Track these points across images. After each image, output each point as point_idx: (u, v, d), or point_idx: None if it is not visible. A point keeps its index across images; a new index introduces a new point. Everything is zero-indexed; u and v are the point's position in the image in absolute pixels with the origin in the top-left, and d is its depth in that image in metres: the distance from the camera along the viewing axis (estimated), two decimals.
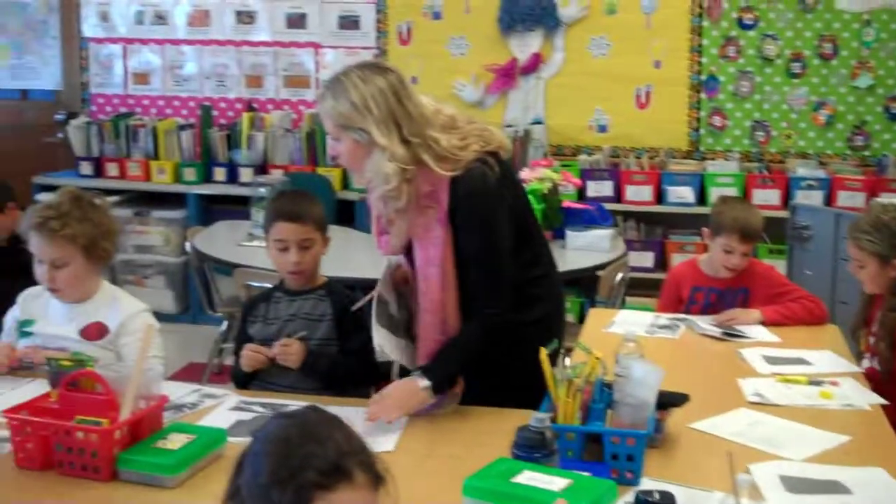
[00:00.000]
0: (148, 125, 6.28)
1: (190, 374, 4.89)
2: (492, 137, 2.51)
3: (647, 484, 2.07)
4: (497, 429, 2.39)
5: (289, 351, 2.79)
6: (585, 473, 1.85)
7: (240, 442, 2.32)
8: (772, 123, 5.85)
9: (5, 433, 2.34)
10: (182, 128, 6.27)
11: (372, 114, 2.37)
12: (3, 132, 6.85)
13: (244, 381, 2.91)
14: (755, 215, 3.53)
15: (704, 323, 3.30)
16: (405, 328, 2.70)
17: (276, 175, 5.55)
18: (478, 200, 2.44)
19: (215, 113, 6.42)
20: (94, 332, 2.85)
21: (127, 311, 2.88)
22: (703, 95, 5.90)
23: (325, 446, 1.43)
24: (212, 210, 6.18)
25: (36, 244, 2.80)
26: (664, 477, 2.13)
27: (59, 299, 2.88)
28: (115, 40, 6.61)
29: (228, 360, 2.92)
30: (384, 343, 2.65)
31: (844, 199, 5.41)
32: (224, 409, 2.58)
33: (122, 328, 2.84)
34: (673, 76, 5.89)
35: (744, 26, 5.79)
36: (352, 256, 4.28)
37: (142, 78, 6.59)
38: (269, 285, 3.56)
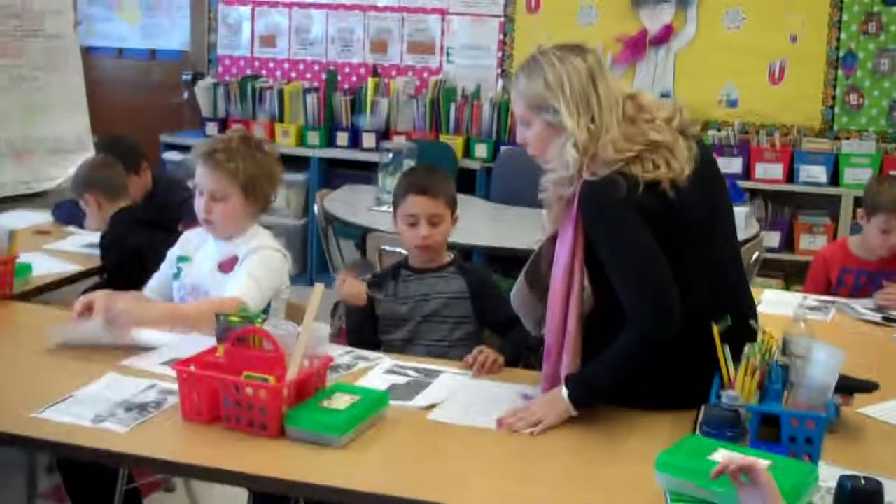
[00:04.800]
0: (274, 88, 6.32)
1: None
2: (661, 141, 2.27)
3: (823, 469, 2.01)
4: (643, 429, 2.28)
5: (488, 362, 2.62)
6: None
7: (402, 406, 2.35)
8: None
9: (168, 385, 2.39)
10: (307, 91, 6.30)
11: (564, 94, 2.28)
12: (132, 90, 6.98)
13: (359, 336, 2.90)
14: None
15: (861, 307, 3.19)
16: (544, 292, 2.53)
17: (403, 141, 5.53)
18: (593, 209, 2.26)
19: (339, 77, 6.43)
20: (229, 265, 2.89)
21: (258, 243, 2.90)
22: (839, 72, 5.70)
23: None
24: (333, 174, 6.22)
25: (200, 174, 2.86)
26: (841, 462, 2.05)
27: (211, 232, 2.93)
28: (244, 2, 6.65)
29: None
30: (516, 292, 2.57)
31: None
32: (379, 372, 2.58)
33: (245, 256, 2.85)
34: (809, 52, 5.71)
35: (886, 1, 5.57)
36: (472, 224, 4.25)
37: (268, 40, 6.63)
38: (403, 251, 3.56)
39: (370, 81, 6.19)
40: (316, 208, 4.99)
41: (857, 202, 5.28)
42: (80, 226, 3.99)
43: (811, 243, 5.50)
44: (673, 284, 2.21)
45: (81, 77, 5.38)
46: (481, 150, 5.94)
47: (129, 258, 3.40)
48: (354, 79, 6.44)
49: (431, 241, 2.89)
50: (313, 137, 6.22)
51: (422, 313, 2.89)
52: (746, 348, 2.16)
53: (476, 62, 6.19)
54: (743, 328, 2.31)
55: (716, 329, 2.19)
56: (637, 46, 5.93)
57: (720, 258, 2.38)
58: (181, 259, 2.98)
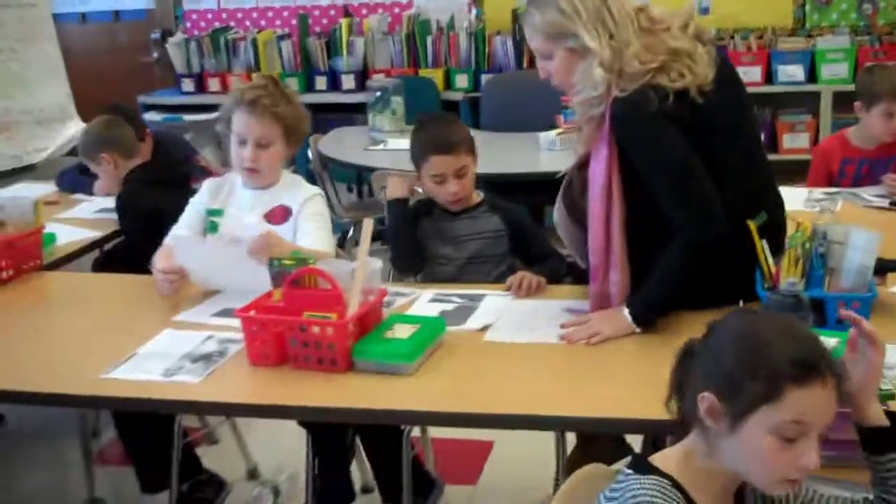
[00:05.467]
0: (247, 38, 6.29)
1: None
2: (681, 48, 2.31)
3: None
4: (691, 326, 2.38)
5: (531, 286, 2.69)
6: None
7: (457, 330, 2.43)
8: None
9: (226, 335, 2.46)
10: (280, 38, 6.27)
11: (581, 17, 2.30)
12: (99, 54, 6.90)
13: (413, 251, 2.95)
14: None
15: (868, 194, 3.30)
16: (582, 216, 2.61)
17: (388, 79, 5.54)
18: (628, 124, 2.31)
19: (309, 21, 6.41)
20: (280, 215, 2.89)
21: (307, 193, 2.92)
22: None
23: (799, 342, 1.47)
24: (315, 119, 6.17)
25: (245, 122, 2.80)
26: (885, 339, 2.15)
27: (249, 183, 2.91)
28: None
29: None
30: (558, 221, 2.64)
31: None
32: (424, 302, 2.66)
33: (301, 208, 2.88)
34: None
35: None
36: None
37: None
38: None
39: (343, 22, 6.18)
40: (310, 153, 5.01)
41: (836, 97, 5.43)
42: (88, 193, 4.00)
43: (794, 142, 5.61)
44: (714, 188, 2.29)
45: (57, 45, 5.33)
46: (462, 80, 5.96)
47: (147, 218, 3.41)
48: (325, 21, 6.42)
49: (462, 193, 2.90)
50: (292, 84, 6.18)
51: (464, 255, 2.91)
52: (787, 239, 2.26)
53: None
54: (775, 223, 2.41)
55: (752, 225, 2.29)
56: None
57: (750, 158, 2.46)
58: (213, 213, 2.95)
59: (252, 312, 2.34)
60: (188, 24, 6.69)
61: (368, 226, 2.35)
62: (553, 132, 4.56)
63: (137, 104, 6.34)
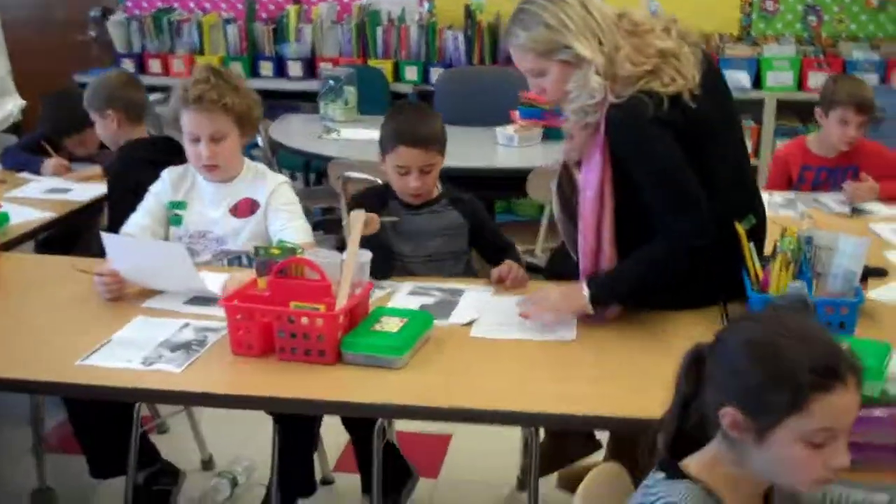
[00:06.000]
0: (192, 20, 6.15)
1: None
2: (668, 49, 2.31)
3: None
4: (675, 326, 2.39)
5: (517, 278, 2.69)
6: None
7: (442, 324, 2.40)
8: (824, 7, 5.83)
9: (202, 324, 2.40)
10: (227, 22, 6.15)
11: (569, 28, 2.29)
12: (33, 28, 6.65)
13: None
14: (867, 88, 3.58)
15: (830, 201, 3.36)
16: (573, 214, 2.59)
17: (340, 68, 5.45)
18: (624, 130, 2.31)
19: (256, 6, 6.29)
20: (245, 208, 2.87)
21: (272, 184, 2.89)
22: None
23: (816, 347, 1.44)
24: None
25: (195, 120, 2.75)
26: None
27: (211, 178, 2.86)
28: None
29: None
30: (557, 215, 2.64)
31: None
32: (404, 295, 2.62)
33: (269, 200, 2.86)
34: None
35: None
36: None
37: None
38: (369, 177, 3.52)
39: (291, 9, 6.08)
40: (260, 140, 4.92)
41: (780, 105, 5.54)
42: (35, 172, 3.88)
43: None
44: (704, 195, 2.30)
45: None
46: (411, 73, 5.90)
47: (132, 195, 3.25)
48: (272, 7, 6.31)
49: (423, 189, 2.80)
50: (236, 69, 6.05)
51: (425, 253, 2.83)
52: (777, 243, 2.28)
53: None
54: (759, 227, 2.43)
55: (741, 228, 2.31)
56: None
57: (738, 162, 2.48)
58: (176, 205, 2.89)
59: (235, 301, 2.28)
60: (129, 3, 6.51)
61: (359, 217, 2.31)
62: (510, 128, 4.55)
63: (73, 82, 6.15)
